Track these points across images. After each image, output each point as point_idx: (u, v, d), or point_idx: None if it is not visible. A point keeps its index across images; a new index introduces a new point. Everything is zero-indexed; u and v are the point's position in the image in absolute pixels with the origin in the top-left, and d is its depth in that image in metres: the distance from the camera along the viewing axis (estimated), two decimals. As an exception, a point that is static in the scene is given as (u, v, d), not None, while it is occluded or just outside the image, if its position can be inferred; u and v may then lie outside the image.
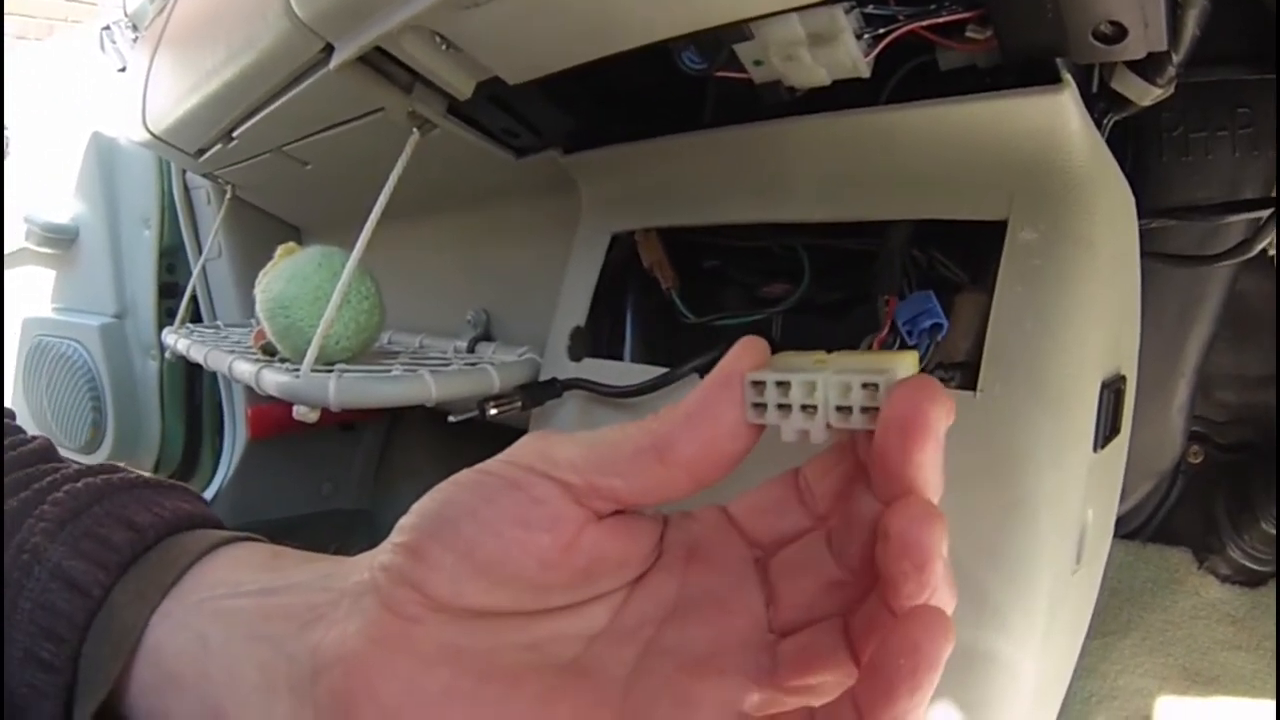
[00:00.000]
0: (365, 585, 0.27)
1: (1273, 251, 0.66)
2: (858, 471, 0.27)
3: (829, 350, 0.28)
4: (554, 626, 0.28)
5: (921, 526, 0.22)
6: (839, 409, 0.26)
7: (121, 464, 0.37)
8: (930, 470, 0.23)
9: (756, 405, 0.27)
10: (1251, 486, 0.78)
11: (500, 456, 0.29)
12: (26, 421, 1.57)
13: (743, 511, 0.30)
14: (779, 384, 0.26)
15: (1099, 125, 0.46)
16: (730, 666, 0.26)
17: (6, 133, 1.66)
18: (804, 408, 0.26)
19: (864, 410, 0.25)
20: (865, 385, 0.25)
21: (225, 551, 0.32)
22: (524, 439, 0.29)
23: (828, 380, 0.26)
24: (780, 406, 0.26)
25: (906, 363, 0.27)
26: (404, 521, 0.28)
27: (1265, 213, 0.58)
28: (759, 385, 0.26)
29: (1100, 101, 0.47)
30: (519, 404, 0.55)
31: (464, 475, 0.28)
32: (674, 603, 0.28)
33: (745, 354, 0.27)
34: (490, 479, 0.28)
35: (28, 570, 0.30)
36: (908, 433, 0.23)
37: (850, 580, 0.26)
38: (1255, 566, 0.80)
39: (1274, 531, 0.75)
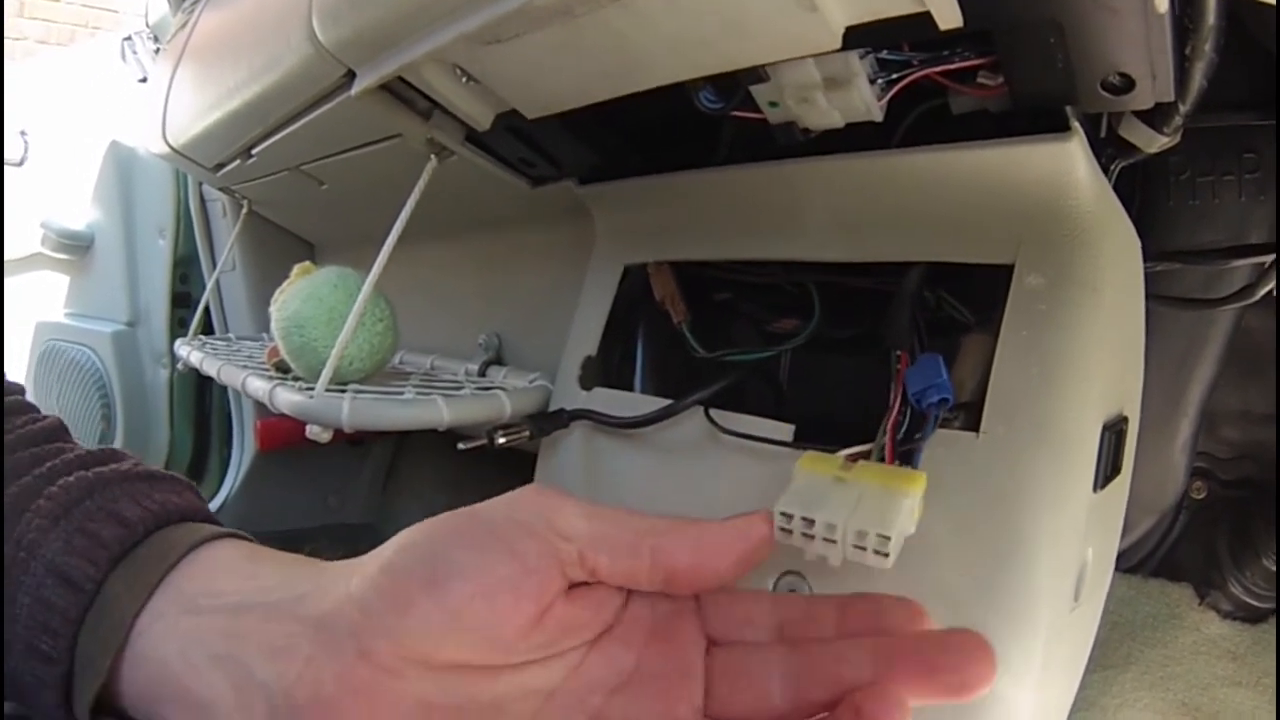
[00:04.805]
0: (342, 627, 0.27)
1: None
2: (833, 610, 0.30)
3: (851, 446, 0.37)
4: (516, 681, 0.29)
5: None
6: (855, 546, 0.31)
7: (122, 450, 0.37)
8: None
9: (784, 530, 0.32)
10: (1253, 523, 0.78)
11: (503, 507, 0.30)
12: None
13: (710, 602, 0.32)
14: (804, 518, 0.32)
15: (1106, 171, 0.47)
16: None
17: (26, 137, 1.67)
18: (825, 539, 0.32)
19: (876, 552, 0.31)
20: (879, 534, 0.31)
21: (205, 552, 0.33)
22: (529, 492, 0.31)
23: (847, 525, 0.31)
24: (805, 534, 0.32)
25: (916, 488, 0.34)
26: (390, 559, 0.29)
27: (1269, 257, 0.58)
28: (787, 515, 0.32)
29: (1108, 148, 0.47)
30: (527, 433, 0.56)
31: (461, 521, 0.29)
32: (628, 675, 0.30)
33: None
34: (489, 539, 0.29)
35: (25, 566, 0.31)
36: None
37: (789, 712, 0.28)
38: (1256, 603, 0.80)
39: (1274, 568, 0.75)
